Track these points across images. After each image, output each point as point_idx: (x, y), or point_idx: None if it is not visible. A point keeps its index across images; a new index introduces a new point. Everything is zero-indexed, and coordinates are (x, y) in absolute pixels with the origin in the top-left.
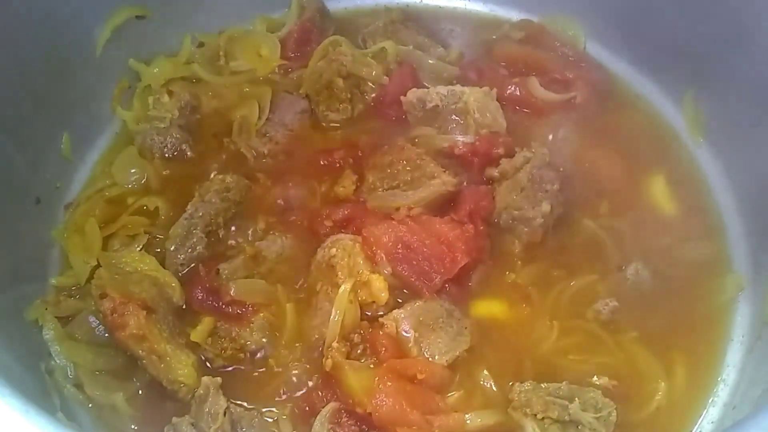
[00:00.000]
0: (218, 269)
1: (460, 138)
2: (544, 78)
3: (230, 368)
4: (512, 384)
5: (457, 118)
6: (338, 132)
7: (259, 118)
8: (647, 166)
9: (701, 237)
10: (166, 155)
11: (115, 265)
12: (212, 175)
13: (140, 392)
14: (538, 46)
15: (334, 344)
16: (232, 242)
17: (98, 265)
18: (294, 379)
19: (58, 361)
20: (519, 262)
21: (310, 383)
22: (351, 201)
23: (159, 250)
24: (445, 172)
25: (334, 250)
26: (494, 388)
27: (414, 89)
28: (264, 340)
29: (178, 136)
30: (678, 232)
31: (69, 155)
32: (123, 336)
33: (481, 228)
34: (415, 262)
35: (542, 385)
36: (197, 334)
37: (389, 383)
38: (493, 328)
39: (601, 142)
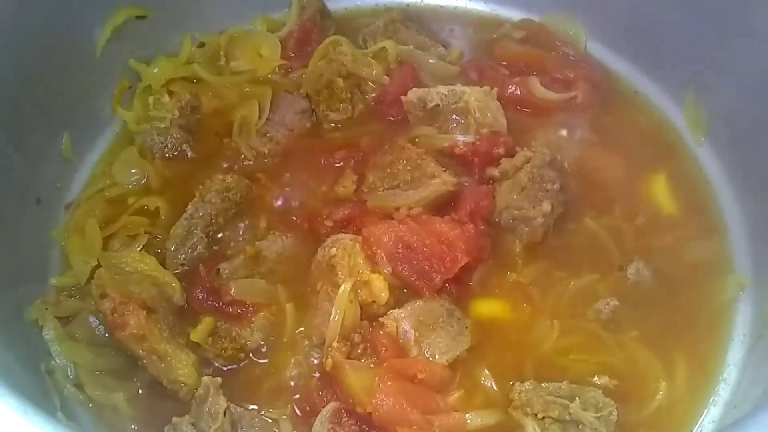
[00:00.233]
0: (218, 269)
1: (460, 137)
2: (545, 77)
3: (230, 368)
4: (513, 383)
5: (457, 117)
6: (338, 132)
7: (260, 118)
8: (648, 165)
9: (702, 236)
10: (167, 155)
11: (115, 265)
12: (212, 176)
13: (140, 392)
14: (539, 45)
15: (335, 344)
16: (232, 242)
17: (98, 265)
18: (294, 378)
19: (58, 361)
20: (520, 262)
21: (311, 383)
22: (351, 201)
23: (159, 250)
24: (445, 171)
25: (334, 249)
26: (495, 388)
27: (414, 89)
28: (264, 340)
29: (178, 136)
30: (679, 232)
31: (69, 155)
32: (123, 336)
33: (482, 227)
34: (415, 262)
35: (543, 384)
36: (197, 334)
37: (389, 383)
38: (494, 328)
39: (602, 142)
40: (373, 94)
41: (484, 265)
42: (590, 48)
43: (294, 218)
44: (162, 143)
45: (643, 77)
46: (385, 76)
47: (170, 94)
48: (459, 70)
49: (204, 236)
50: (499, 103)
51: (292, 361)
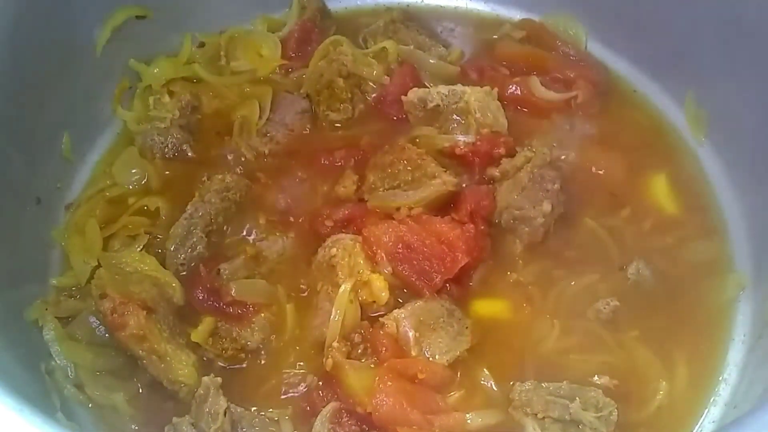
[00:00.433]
0: (219, 269)
1: (461, 138)
2: (545, 77)
3: (231, 368)
4: (513, 383)
5: (458, 117)
6: (339, 132)
7: (260, 117)
8: (649, 165)
9: (703, 236)
10: (167, 155)
11: (115, 266)
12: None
13: (141, 392)
14: (540, 45)
15: (335, 344)
16: (232, 242)
17: (99, 266)
18: (294, 379)
19: (58, 362)
20: (520, 262)
21: (311, 383)
22: (352, 201)
23: (159, 250)
24: (445, 171)
25: (334, 249)
26: (495, 388)
27: (415, 89)
28: (264, 340)
29: (178, 136)
30: (679, 232)
31: (69, 155)
32: (123, 336)
33: (482, 228)
34: (415, 262)
35: (543, 384)
36: (198, 334)
37: (390, 383)
38: (494, 328)
39: (603, 142)
40: (374, 94)
41: (485, 265)
42: (590, 48)
43: (294, 218)
44: (162, 143)
45: (644, 77)
46: (386, 76)
47: (170, 94)
48: (459, 70)
49: (204, 236)
50: (499, 103)
51: (293, 361)
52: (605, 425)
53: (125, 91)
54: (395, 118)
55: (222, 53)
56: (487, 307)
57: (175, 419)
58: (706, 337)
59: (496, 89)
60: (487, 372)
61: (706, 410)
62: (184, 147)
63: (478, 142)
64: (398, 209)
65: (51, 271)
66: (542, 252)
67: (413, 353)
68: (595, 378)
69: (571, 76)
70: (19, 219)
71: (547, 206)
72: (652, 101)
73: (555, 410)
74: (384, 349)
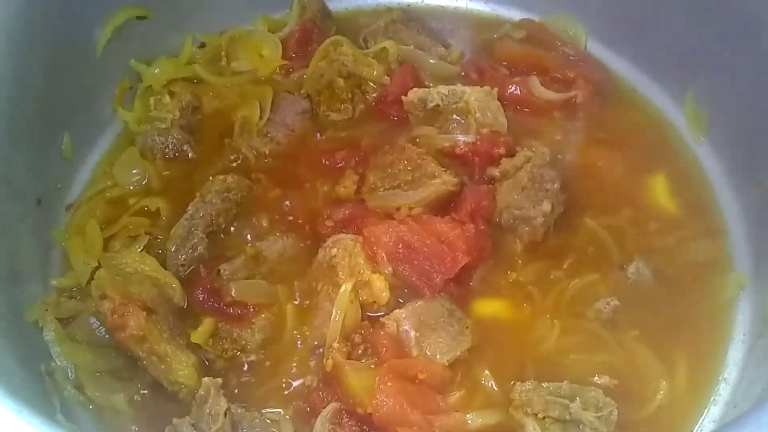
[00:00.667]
0: (219, 270)
1: (461, 137)
2: (545, 77)
3: (231, 369)
4: (513, 383)
5: (458, 117)
6: (339, 132)
7: (261, 118)
8: (648, 164)
9: (702, 236)
10: (168, 156)
11: (115, 266)
12: (211, 176)
13: (141, 393)
14: (539, 45)
15: (335, 344)
16: (233, 243)
17: (99, 266)
18: (295, 379)
19: (58, 363)
20: (520, 262)
21: (311, 384)
22: (352, 201)
23: (160, 251)
24: (446, 171)
25: (335, 250)
26: (495, 388)
27: (415, 89)
28: (265, 340)
29: (179, 136)
30: (679, 231)
31: (70, 156)
32: (123, 337)
33: (482, 227)
34: (416, 262)
35: (543, 384)
36: (198, 335)
37: (390, 383)
38: (494, 328)
39: (602, 141)
40: (374, 95)
41: (485, 265)
42: (590, 48)
43: (294, 218)
44: (163, 144)
45: (643, 76)
46: (386, 77)
47: (171, 94)
48: (459, 70)
49: (204, 237)
50: (499, 103)
51: (293, 361)
52: (605, 425)
53: (126, 92)
54: (395, 118)
55: (222, 53)
56: (487, 307)
57: (175, 420)
58: (706, 337)
59: (495, 89)
60: (487, 372)
61: (706, 409)
62: (185, 147)
63: (478, 142)
64: (398, 209)
65: (51, 272)
66: (542, 252)
67: (414, 353)
68: (596, 378)
69: (571, 75)
70: (19, 219)
71: (546, 206)
72: (652, 101)
73: (555, 410)
74: (384, 349)
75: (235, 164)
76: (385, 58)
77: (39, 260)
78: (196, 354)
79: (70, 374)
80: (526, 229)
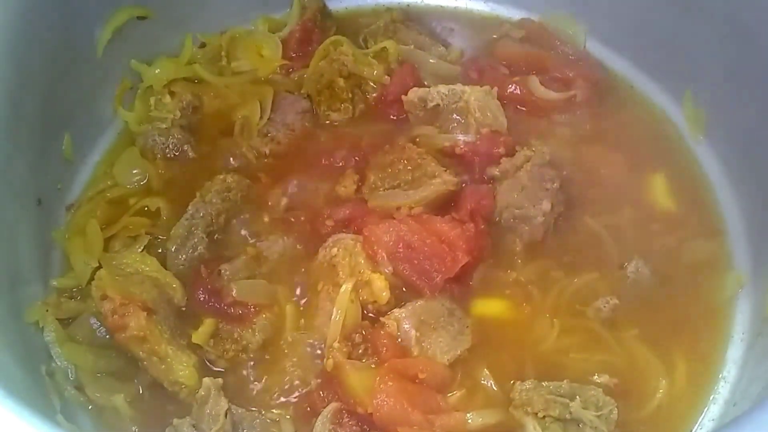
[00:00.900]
0: (220, 270)
1: (461, 137)
2: (545, 77)
3: (232, 369)
4: (513, 383)
5: (458, 117)
6: (339, 132)
7: (261, 118)
8: (648, 163)
9: (701, 235)
10: (168, 156)
11: (116, 267)
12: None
13: (141, 394)
14: (539, 44)
15: (336, 344)
16: (233, 243)
17: (99, 267)
18: (295, 379)
19: (58, 363)
20: (520, 261)
21: (312, 384)
22: (352, 200)
23: (161, 250)
24: (446, 171)
25: (335, 249)
26: (495, 387)
27: (415, 88)
28: (265, 341)
29: (179, 136)
30: (678, 230)
31: (70, 156)
32: (124, 337)
33: (482, 227)
34: (416, 262)
35: (543, 383)
36: (199, 335)
37: (390, 383)
38: (494, 327)
39: (602, 140)
40: (374, 94)
41: (485, 265)
42: (589, 47)
43: (295, 218)
44: (163, 144)
45: (642, 76)
46: (386, 76)
47: (171, 94)
48: (459, 70)
49: (205, 236)
50: (499, 103)
51: (294, 361)
52: (605, 424)
53: (126, 92)
54: (395, 117)
55: (223, 53)
56: (487, 307)
57: (175, 421)
58: (706, 335)
59: (495, 89)
60: (487, 371)
61: (706, 408)
62: (185, 147)
63: (478, 142)
64: (399, 209)
65: (51, 272)
66: (542, 251)
67: (414, 353)
68: (595, 377)
69: (570, 75)
70: (19, 220)
71: (546, 205)
72: (651, 100)
73: (555, 409)
74: (385, 348)
75: (235, 164)
76: (385, 57)
77: (39, 260)
78: (196, 354)
79: (70, 375)
80: (526, 228)
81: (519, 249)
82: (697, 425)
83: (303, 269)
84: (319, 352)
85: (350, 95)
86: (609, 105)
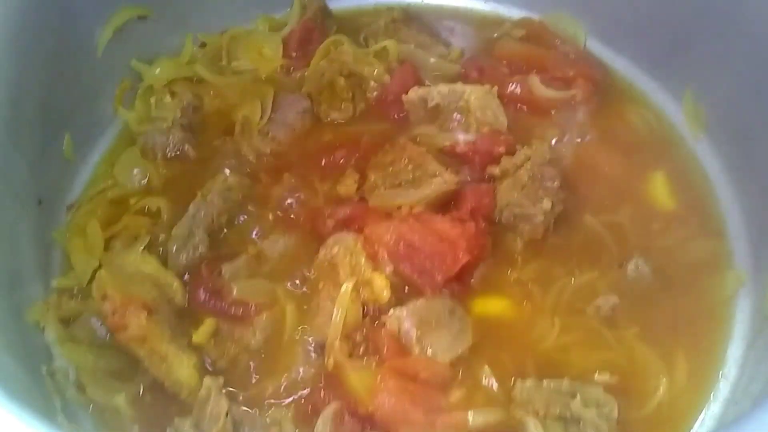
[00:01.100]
0: (220, 269)
1: (461, 136)
2: (545, 76)
3: (232, 369)
4: (514, 381)
5: (458, 116)
6: (340, 131)
7: (261, 117)
8: (648, 162)
9: (702, 233)
10: (169, 155)
11: (116, 266)
12: (213, 176)
13: (142, 394)
14: (539, 44)
15: (336, 343)
16: (234, 242)
17: (100, 267)
18: (296, 379)
19: (59, 363)
20: (520, 260)
21: (312, 383)
22: (353, 200)
23: (161, 250)
24: (446, 170)
25: (336, 249)
26: (496, 386)
27: (415, 88)
28: (266, 340)
29: (180, 136)
30: (678, 228)
31: (71, 156)
32: (124, 337)
33: (483, 226)
34: (416, 261)
35: (544, 382)
36: (199, 335)
37: (391, 382)
38: (495, 326)
39: (602, 139)
40: (375, 93)
41: (485, 264)
42: (589, 46)
43: (296, 218)
44: (164, 143)
45: (642, 74)
46: (387, 75)
47: (172, 94)
48: (460, 69)
49: (206, 236)
50: (499, 102)
51: (294, 361)
52: (606, 422)
53: (127, 92)
54: (396, 117)
55: (223, 53)
56: (488, 305)
57: (176, 420)
58: (706, 334)
59: (496, 88)
60: (488, 370)
61: (706, 406)
62: (186, 147)
63: (479, 141)
64: (399, 208)
65: (52, 272)
66: (542, 250)
67: (415, 352)
68: (596, 375)
69: (571, 74)
70: (20, 220)
71: (547, 204)
72: (651, 98)
73: (556, 407)
74: (385, 348)
75: (236, 163)
76: (385, 57)
77: (40, 260)
78: (197, 354)
79: (71, 375)
80: (527, 227)
81: (519, 248)
82: (697, 423)
83: (304, 269)
84: (319, 351)
85: (351, 94)
86: (609, 104)
